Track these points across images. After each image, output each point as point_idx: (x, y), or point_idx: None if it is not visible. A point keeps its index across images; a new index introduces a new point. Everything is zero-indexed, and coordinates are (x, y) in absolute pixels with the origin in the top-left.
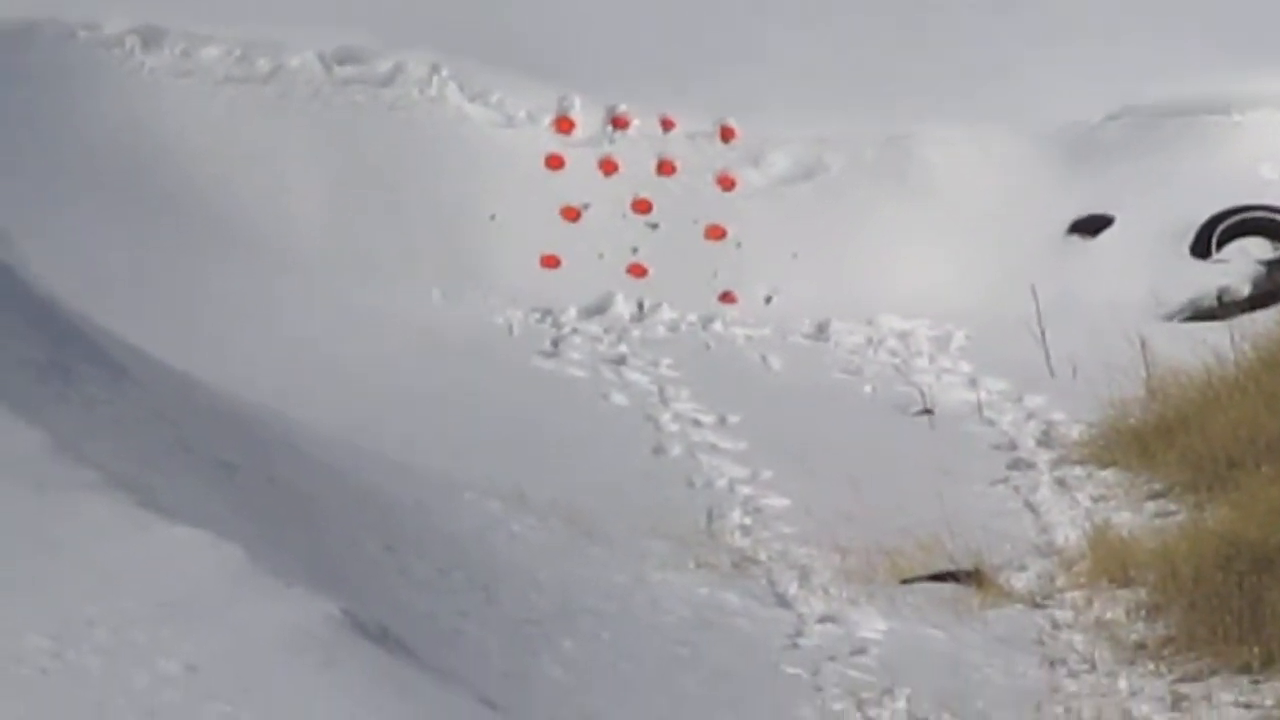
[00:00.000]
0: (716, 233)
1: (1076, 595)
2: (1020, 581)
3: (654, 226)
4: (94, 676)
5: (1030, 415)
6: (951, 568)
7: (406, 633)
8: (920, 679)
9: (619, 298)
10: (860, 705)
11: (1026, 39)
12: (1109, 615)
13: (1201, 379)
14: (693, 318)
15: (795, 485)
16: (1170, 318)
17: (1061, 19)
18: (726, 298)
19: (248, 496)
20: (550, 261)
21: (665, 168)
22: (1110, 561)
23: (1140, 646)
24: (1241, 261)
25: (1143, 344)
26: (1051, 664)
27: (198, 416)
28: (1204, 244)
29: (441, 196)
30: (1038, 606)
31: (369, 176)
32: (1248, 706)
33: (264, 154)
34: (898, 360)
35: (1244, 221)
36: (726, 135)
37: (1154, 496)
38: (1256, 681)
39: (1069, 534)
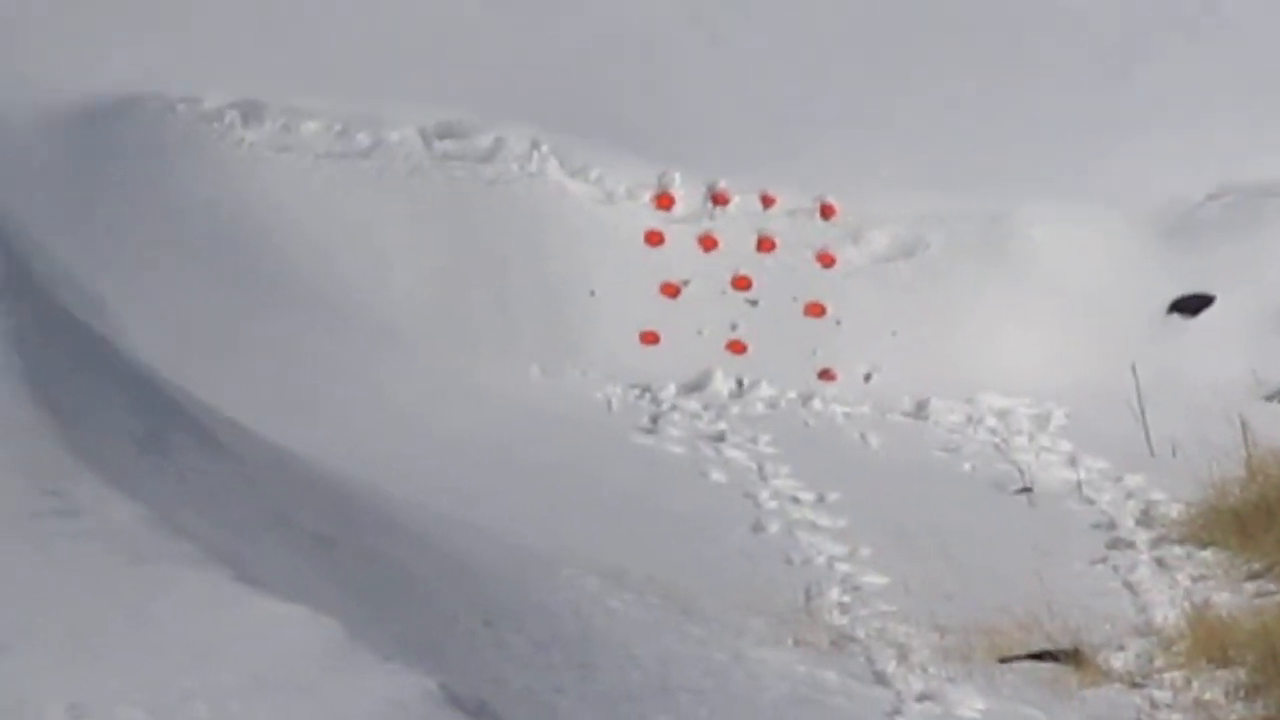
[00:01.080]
0: (816, 310)
1: (1175, 675)
2: (1119, 661)
3: (753, 303)
4: None
5: (1130, 494)
6: (1050, 647)
7: (503, 708)
8: None
9: (718, 374)
10: None
11: (1128, 117)
12: (1208, 696)
13: None
14: (792, 395)
15: (894, 563)
16: (1271, 398)
17: (1163, 97)
18: (826, 375)
19: (345, 570)
20: (650, 338)
21: (765, 244)
22: (1209, 642)
23: None
24: None
25: (1243, 424)
26: None
27: (294, 489)
28: None
29: (541, 272)
30: (1136, 686)
31: (469, 251)
32: None
33: (363, 228)
34: (997, 439)
35: None
36: (826, 212)
37: (1253, 577)
38: None
39: (1168, 614)
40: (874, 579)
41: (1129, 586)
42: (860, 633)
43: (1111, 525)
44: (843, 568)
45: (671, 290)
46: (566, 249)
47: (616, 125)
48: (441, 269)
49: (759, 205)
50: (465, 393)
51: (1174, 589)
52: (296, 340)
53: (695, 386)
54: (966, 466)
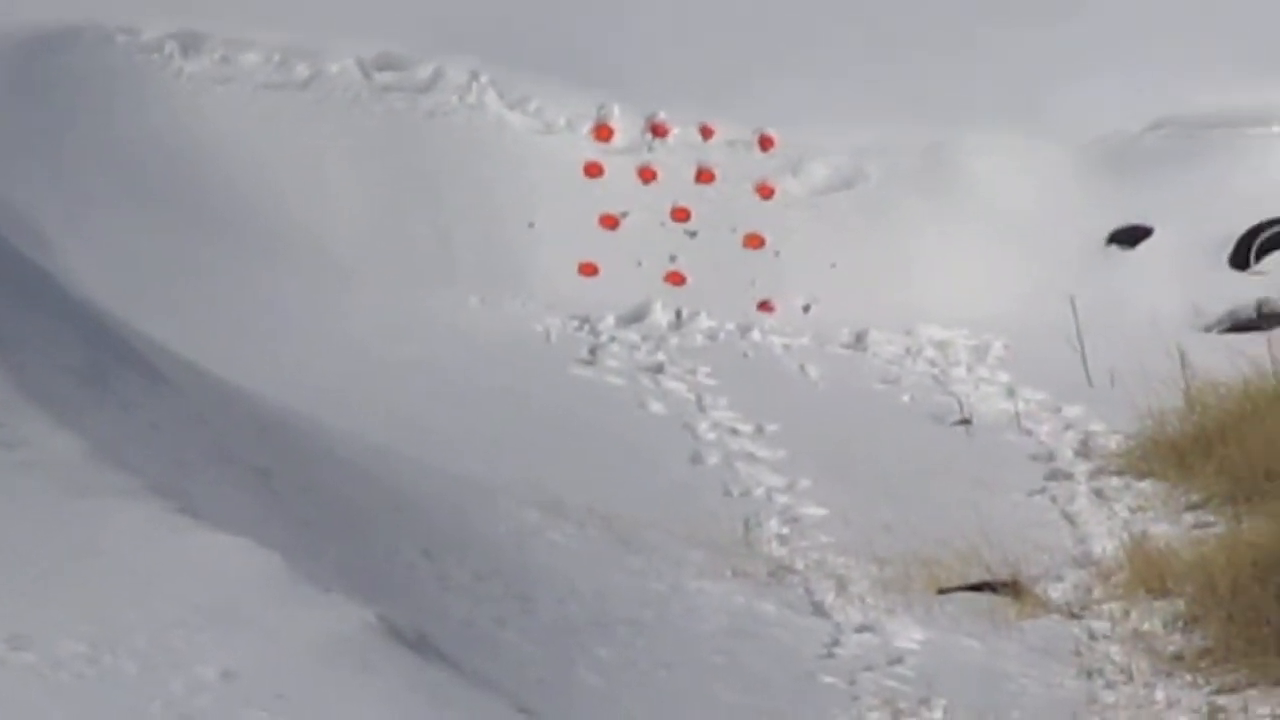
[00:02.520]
0: (755, 241)
1: (1114, 606)
2: (1057, 592)
3: (692, 235)
4: (130, 682)
5: (1068, 425)
6: (989, 578)
7: (443, 639)
8: (957, 689)
9: (657, 306)
10: (896, 715)
11: (1067, 49)
12: (1146, 626)
13: (1240, 390)
14: (731, 326)
15: (833, 494)
16: (1209, 329)
17: (1103, 30)
18: (764, 306)
19: (285, 503)
20: (588, 269)
21: (704, 176)
22: (1148, 573)
23: (1177, 658)
24: None
25: (1181, 355)
26: (1088, 675)
27: (236, 422)
28: (1243, 255)
29: (481, 203)
30: (1074, 617)
31: (409, 182)
32: None
33: (303, 159)
34: (936, 370)
35: None
36: (765, 144)
37: (1192, 508)
38: None
39: (1106, 545)
40: (813, 510)
41: (1067, 517)
42: (799, 564)
43: (1050, 456)
44: (781, 499)
45: (610, 221)
46: (506, 180)
47: (556, 57)
48: (382, 200)
49: (698, 137)
50: (406, 323)
51: (1112, 520)
52: (238, 271)
53: (634, 318)
54: (905, 398)
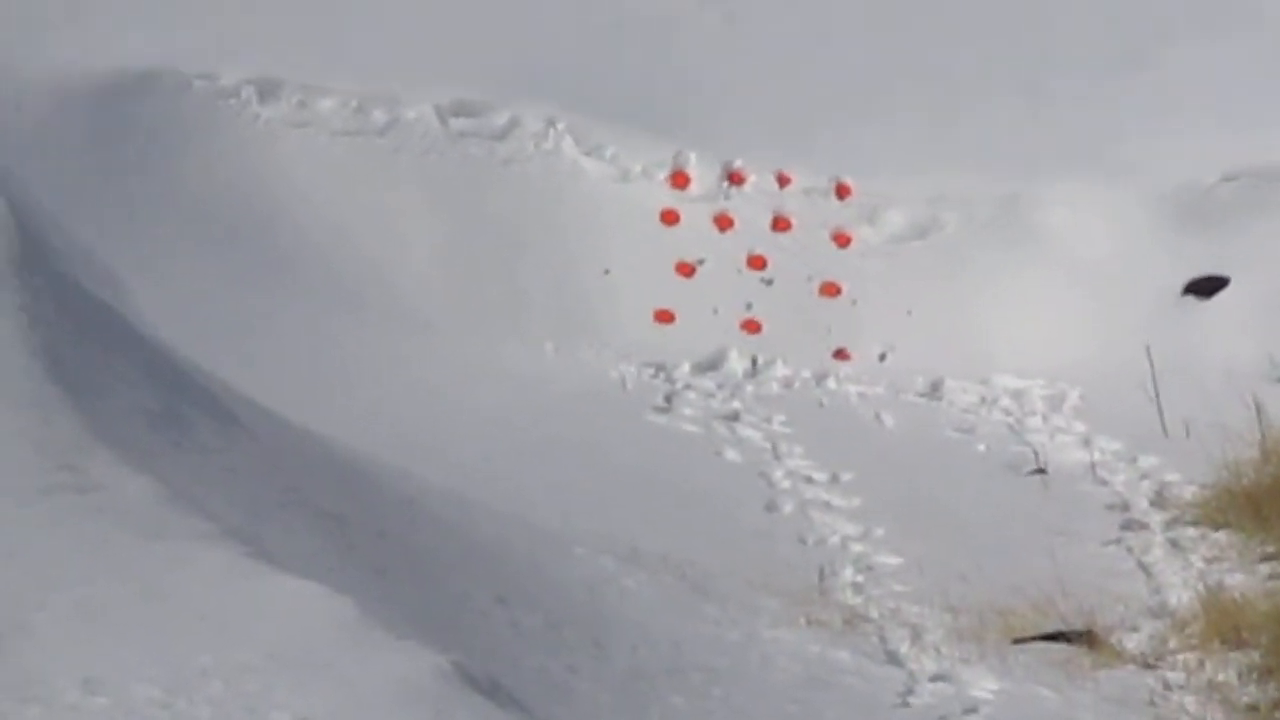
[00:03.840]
0: (831, 289)
1: (1189, 657)
2: (1132, 642)
3: (768, 283)
4: None
5: (1144, 476)
6: (1064, 628)
7: (517, 686)
8: None
9: (733, 353)
10: None
11: (1143, 99)
12: (1221, 677)
13: None
14: (806, 374)
15: (907, 543)
16: None
17: (1178, 79)
18: (840, 355)
19: (359, 548)
20: (664, 316)
21: (780, 224)
22: (1223, 623)
23: (1253, 709)
24: None
25: (1257, 405)
26: None
27: (310, 468)
28: None
29: (557, 250)
30: (1150, 668)
31: (484, 229)
32: None
33: (379, 206)
34: (1011, 419)
35: None
36: (842, 192)
37: (1267, 559)
38: None
39: (1182, 595)
40: (887, 559)
41: (1143, 568)
42: (874, 613)
43: (1125, 506)
44: (856, 548)
45: (686, 269)
46: (582, 227)
47: (632, 104)
48: (457, 247)
49: (774, 184)
50: (480, 370)
51: (1187, 570)
52: (312, 317)
53: (710, 365)
54: (981, 447)
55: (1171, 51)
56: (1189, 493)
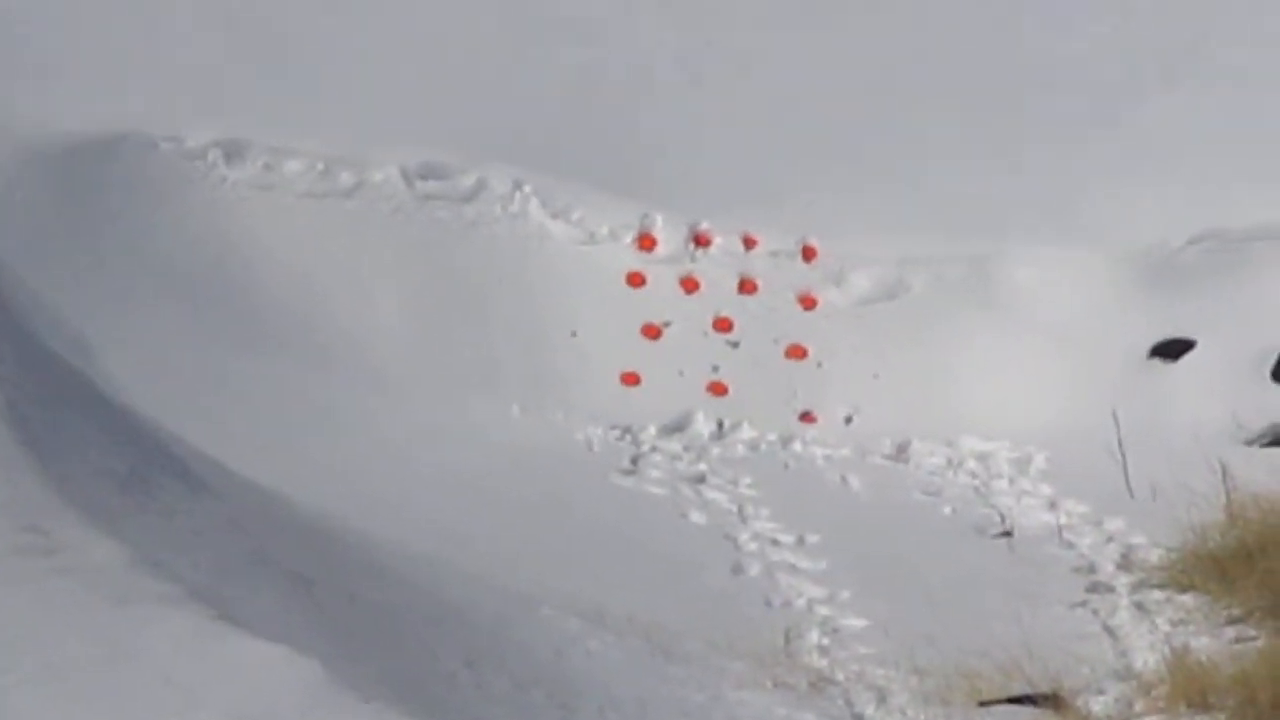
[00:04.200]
0: (797, 352)
1: None
2: (1099, 705)
3: (735, 345)
4: None
5: (1110, 538)
6: (1030, 691)
7: None
8: None
9: (699, 416)
10: None
11: (1111, 162)
12: None
13: None
14: (773, 437)
15: (874, 606)
16: (1251, 442)
17: (1146, 142)
18: (807, 417)
19: (325, 610)
20: (630, 379)
21: (747, 286)
22: (1189, 686)
23: None
24: None
25: (1223, 469)
26: None
27: (276, 529)
28: None
29: (523, 312)
30: None
31: (451, 291)
32: None
33: (346, 268)
34: (978, 482)
35: None
36: (808, 254)
37: (1233, 621)
38: None
39: (1148, 658)
40: (853, 621)
41: (1109, 630)
42: (839, 675)
43: (1091, 569)
44: (822, 610)
45: (653, 331)
46: (548, 289)
47: (599, 166)
48: (424, 308)
49: (741, 247)
50: (447, 432)
51: (1154, 633)
52: (279, 379)
53: (676, 427)
54: (947, 509)
55: (1139, 112)
56: (1155, 555)
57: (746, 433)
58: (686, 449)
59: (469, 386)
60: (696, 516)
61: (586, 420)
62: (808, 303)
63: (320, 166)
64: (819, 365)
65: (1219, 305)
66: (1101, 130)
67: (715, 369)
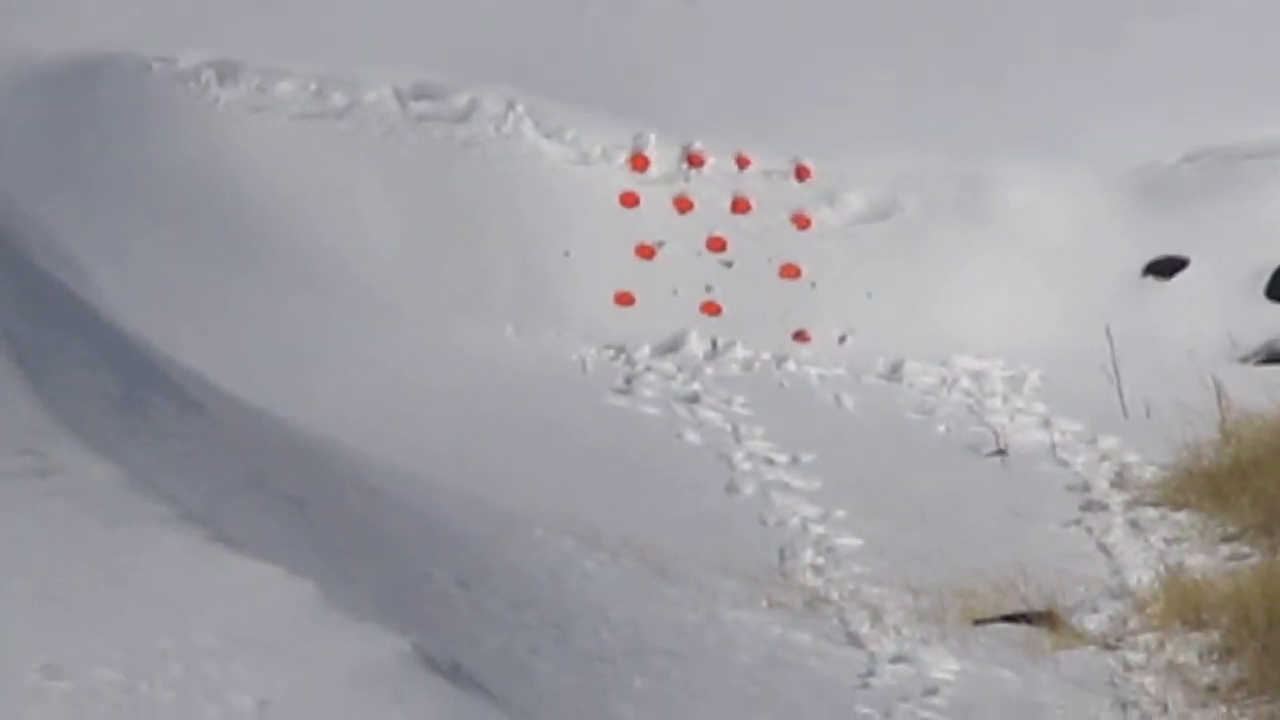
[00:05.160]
0: (791, 271)
1: (1149, 638)
2: (1093, 623)
3: (728, 265)
4: (166, 710)
5: (1104, 457)
6: (1024, 609)
7: (478, 669)
8: None
9: (693, 336)
10: None
11: (1104, 80)
12: (1181, 658)
13: (1276, 422)
14: (766, 356)
15: (868, 525)
16: (1245, 360)
17: (1138, 63)
18: (800, 337)
19: (319, 531)
20: (624, 299)
21: (740, 206)
22: (1183, 604)
23: (1212, 689)
24: None
25: (1217, 386)
26: (1124, 706)
27: (270, 451)
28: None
29: (516, 232)
30: (1110, 649)
31: (444, 212)
32: None
33: (339, 188)
34: (971, 401)
35: None
36: (802, 174)
37: (1227, 539)
38: None
39: (1142, 576)
40: (848, 541)
41: (1103, 549)
42: (834, 595)
43: (1086, 487)
44: (817, 529)
45: (646, 251)
46: (542, 210)
47: (592, 87)
48: (417, 229)
49: (734, 167)
50: (440, 352)
51: (1148, 551)
52: (272, 299)
53: (670, 347)
54: (941, 429)
55: (1131, 32)
56: (1149, 473)
57: (740, 352)
58: (680, 369)
59: (462, 307)
60: (691, 436)
61: (580, 340)
62: (801, 222)
63: (313, 87)
64: (812, 285)
65: (1213, 223)
66: (1094, 50)
67: (709, 289)
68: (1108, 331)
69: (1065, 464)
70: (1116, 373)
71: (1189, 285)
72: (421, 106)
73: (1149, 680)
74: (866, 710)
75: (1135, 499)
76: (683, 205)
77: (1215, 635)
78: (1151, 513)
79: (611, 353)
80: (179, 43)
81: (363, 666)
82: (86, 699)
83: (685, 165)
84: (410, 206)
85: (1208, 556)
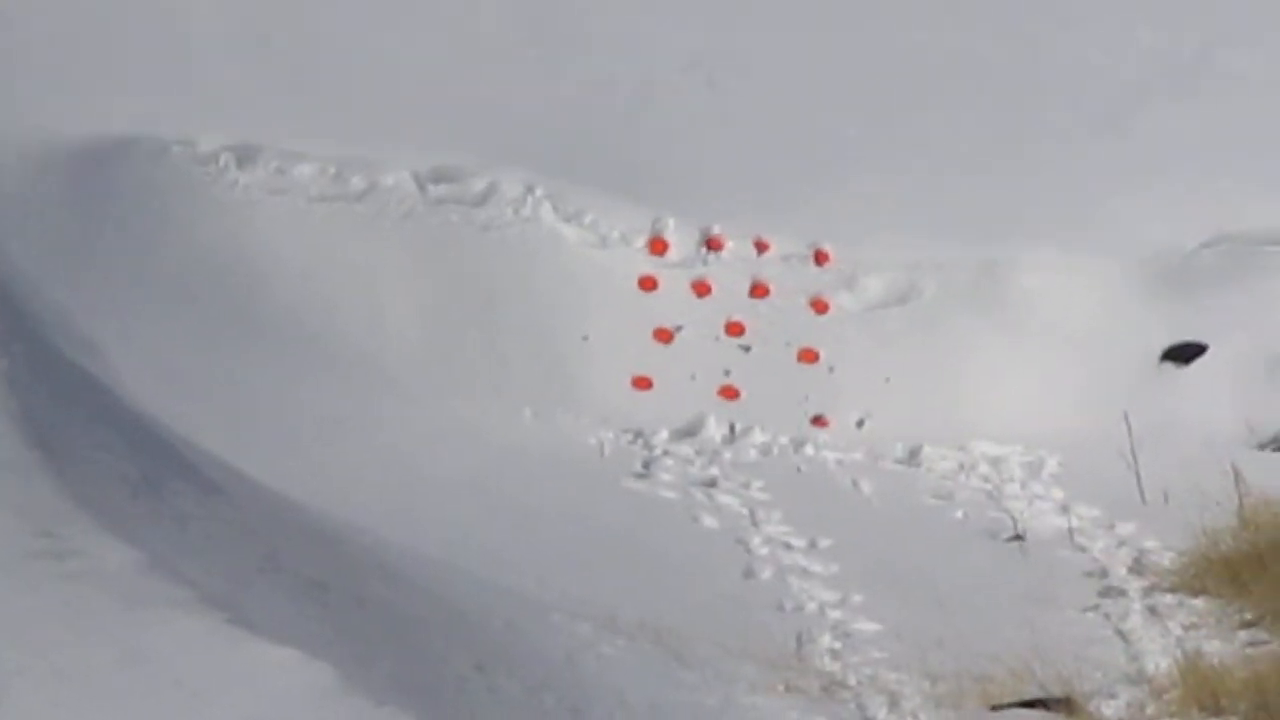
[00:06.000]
0: (809, 356)
1: None
2: (1111, 709)
3: (746, 349)
4: None
5: (1122, 542)
6: (1042, 695)
7: None
8: None
9: (711, 420)
10: None
11: (1121, 165)
12: None
13: None
14: (784, 441)
15: (886, 610)
16: (1263, 446)
17: (1158, 147)
18: (818, 421)
19: (337, 614)
20: (642, 383)
21: (759, 290)
22: (1201, 690)
23: None
24: None
25: (1235, 472)
26: None
27: (289, 534)
28: None
29: (535, 316)
30: None
31: (463, 295)
32: None
33: (358, 272)
34: (989, 486)
35: None
36: (820, 259)
37: (1245, 625)
38: None
39: (1160, 662)
40: (865, 626)
41: (1121, 634)
42: (852, 679)
43: (1103, 573)
44: (834, 614)
45: (665, 335)
46: (560, 293)
47: (611, 170)
48: (436, 312)
49: (753, 251)
50: (458, 436)
51: (1166, 637)
52: (290, 381)
53: (688, 432)
54: (959, 514)
55: (1148, 117)
56: (1167, 559)
57: (758, 437)
58: (698, 453)
59: (480, 390)
60: (708, 521)
61: (598, 424)
62: (819, 307)
63: (332, 170)
64: (830, 369)
65: (1230, 309)
66: (1112, 135)
67: (727, 373)
68: (1125, 417)
69: (1083, 549)
70: (1135, 458)
71: (1207, 371)
72: (440, 190)
73: None
74: None
75: (1153, 585)
76: (701, 289)
77: None
78: (1169, 599)
79: (629, 437)
80: (198, 126)
81: None
82: None
83: (704, 249)
84: (428, 289)
85: (1225, 643)
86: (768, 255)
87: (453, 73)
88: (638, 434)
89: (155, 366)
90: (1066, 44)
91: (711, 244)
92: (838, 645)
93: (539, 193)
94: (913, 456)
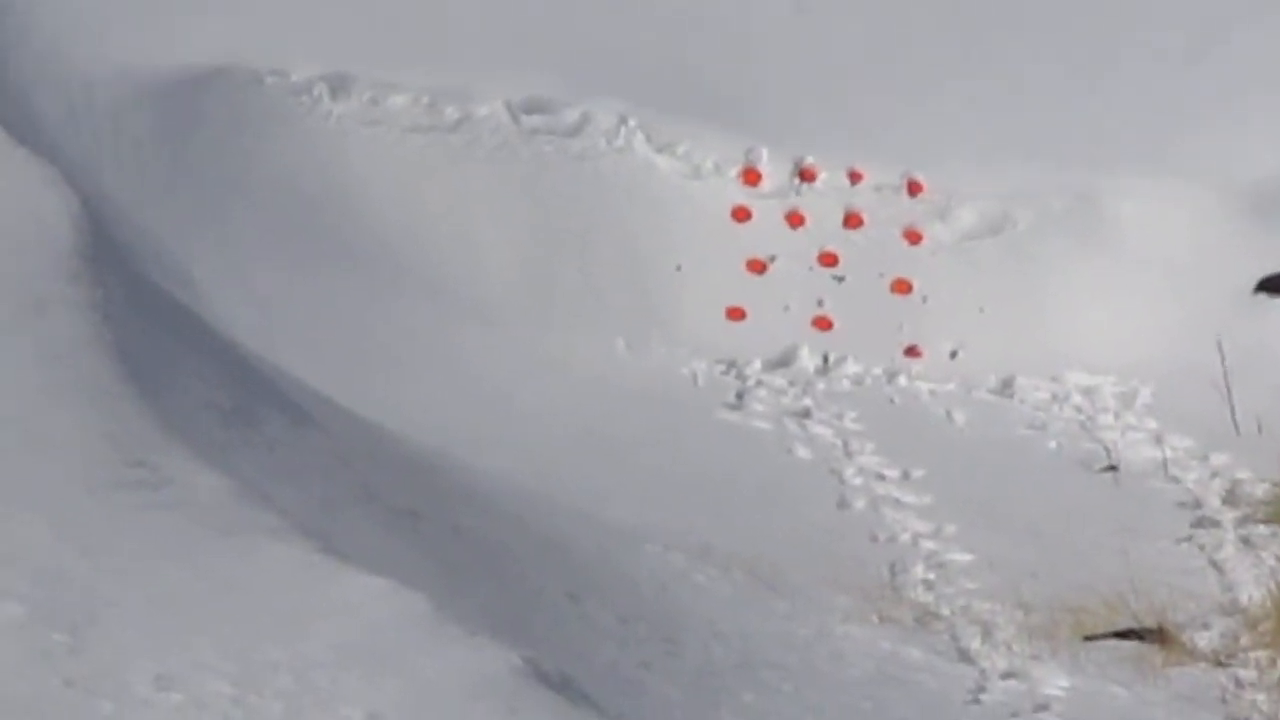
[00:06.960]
0: (902, 286)
1: (1260, 655)
2: (1204, 640)
3: (840, 279)
4: None
5: (1215, 473)
6: (1135, 625)
7: (588, 682)
8: None
9: (804, 351)
10: None
11: (1216, 91)
12: None
13: None
14: (877, 371)
15: (979, 540)
16: None
17: (1252, 70)
18: (911, 352)
19: (431, 544)
20: (735, 313)
21: (852, 221)
22: None
23: None
24: None
25: None
26: None
27: (381, 463)
28: None
29: (628, 247)
30: (1221, 665)
31: (555, 226)
32: None
33: (450, 202)
34: (1083, 416)
35: None
36: (914, 189)
37: None
38: None
39: (1253, 593)
40: (959, 556)
41: (1214, 565)
42: (945, 610)
43: (1197, 504)
44: (927, 545)
45: (758, 266)
46: (653, 224)
47: (704, 100)
48: (528, 244)
49: (846, 181)
50: (551, 367)
51: (1259, 568)
52: (383, 314)
53: (781, 363)
54: (1052, 444)
55: (1243, 41)
56: (1261, 490)
57: (851, 367)
58: (791, 384)
59: (573, 321)
60: (801, 451)
61: (691, 355)
62: (913, 237)
63: (425, 100)
64: (924, 300)
65: None
66: (1208, 60)
67: (820, 303)
68: (1220, 347)
69: (1176, 480)
70: (1228, 388)
71: None
72: (534, 120)
73: (1260, 698)
74: None
75: (1247, 516)
76: (794, 220)
77: None
78: (1263, 529)
79: (722, 368)
80: (292, 55)
81: (474, 679)
82: (197, 710)
83: (797, 180)
84: (522, 220)
85: None
86: (861, 185)
87: (546, 2)
88: (731, 365)
89: (246, 295)
90: None
91: (805, 174)
92: (931, 576)
93: (632, 123)
94: (1006, 387)
